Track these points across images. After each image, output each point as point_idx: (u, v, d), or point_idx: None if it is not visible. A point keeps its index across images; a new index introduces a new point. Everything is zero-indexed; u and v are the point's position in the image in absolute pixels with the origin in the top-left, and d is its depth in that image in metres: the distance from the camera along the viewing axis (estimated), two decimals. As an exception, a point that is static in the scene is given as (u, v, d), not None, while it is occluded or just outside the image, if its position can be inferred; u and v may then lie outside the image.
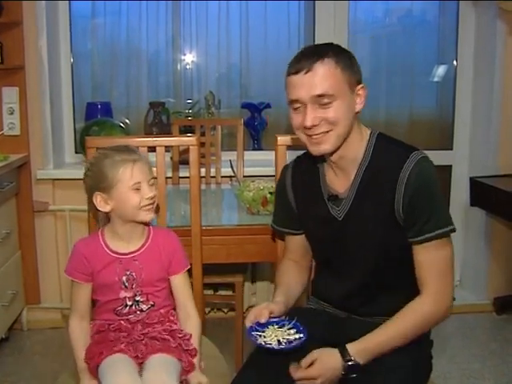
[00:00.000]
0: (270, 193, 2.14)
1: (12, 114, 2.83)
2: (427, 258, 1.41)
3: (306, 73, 1.37)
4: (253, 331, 1.40)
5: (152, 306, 1.55)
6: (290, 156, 1.78)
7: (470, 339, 2.90)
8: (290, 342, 1.38)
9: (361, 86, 1.43)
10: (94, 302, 1.58)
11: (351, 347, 1.38)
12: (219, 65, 3.34)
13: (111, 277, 1.51)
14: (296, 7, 3.31)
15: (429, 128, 3.49)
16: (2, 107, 2.83)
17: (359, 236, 1.47)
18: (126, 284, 1.52)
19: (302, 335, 1.39)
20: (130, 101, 3.32)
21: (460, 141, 3.33)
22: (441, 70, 3.41)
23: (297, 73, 1.39)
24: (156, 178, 1.56)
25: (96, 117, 3.06)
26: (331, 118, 1.39)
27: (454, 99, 3.33)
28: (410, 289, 1.44)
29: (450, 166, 3.35)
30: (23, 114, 2.84)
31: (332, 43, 1.45)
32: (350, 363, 1.37)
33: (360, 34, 3.37)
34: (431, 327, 1.46)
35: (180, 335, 1.51)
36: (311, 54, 1.39)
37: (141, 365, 1.46)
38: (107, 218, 1.55)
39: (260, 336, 1.39)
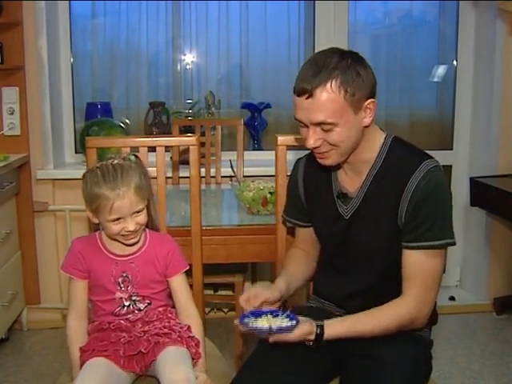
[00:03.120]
0: (270, 193, 2.14)
1: (12, 114, 2.83)
2: (416, 265, 1.40)
3: (307, 98, 1.35)
4: (245, 318, 1.40)
5: (149, 304, 1.55)
6: (290, 156, 1.78)
7: (471, 339, 2.89)
8: (281, 328, 1.37)
9: (370, 100, 1.38)
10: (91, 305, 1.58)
11: (328, 330, 1.38)
12: (219, 65, 3.34)
13: (107, 277, 1.52)
14: (296, 7, 3.31)
15: (429, 128, 3.49)
16: (2, 107, 2.83)
17: (363, 237, 1.48)
18: (122, 285, 1.52)
19: (294, 322, 1.38)
20: (130, 101, 3.32)
21: (460, 141, 3.33)
22: (441, 71, 3.41)
23: (299, 95, 1.37)
24: (143, 208, 1.50)
25: (96, 117, 3.06)
26: (332, 142, 1.39)
27: (453, 99, 3.33)
28: None
29: (450, 166, 3.35)
30: (23, 114, 2.84)
31: (341, 52, 1.39)
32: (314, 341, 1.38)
33: (360, 34, 3.37)
34: (405, 329, 1.43)
35: (177, 327, 1.52)
36: (315, 75, 1.33)
37: (149, 364, 1.46)
38: None
39: (252, 322, 1.39)
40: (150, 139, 1.86)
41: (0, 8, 2.69)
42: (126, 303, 1.53)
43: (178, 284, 1.58)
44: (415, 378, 1.42)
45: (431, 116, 3.51)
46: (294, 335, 1.35)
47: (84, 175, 1.50)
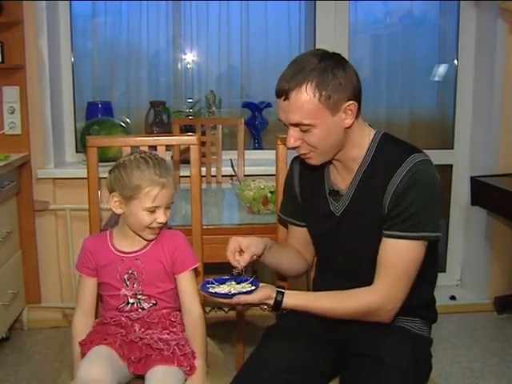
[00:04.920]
0: (271, 192, 2.14)
1: (13, 113, 2.83)
2: (388, 253, 1.39)
3: (284, 100, 1.39)
4: (208, 284, 1.43)
5: (154, 304, 1.55)
6: (291, 155, 1.78)
7: (471, 339, 2.89)
8: (240, 292, 1.38)
9: (351, 102, 1.38)
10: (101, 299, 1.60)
11: (287, 299, 1.39)
12: (220, 64, 3.34)
13: (113, 274, 1.53)
14: (297, 7, 3.31)
15: (429, 127, 3.49)
16: (3, 106, 2.83)
17: (354, 234, 1.48)
18: (128, 282, 1.53)
19: (253, 287, 1.39)
20: (131, 100, 3.32)
21: (461, 140, 3.33)
22: (441, 70, 3.41)
23: (278, 97, 1.41)
24: (173, 202, 1.55)
25: (97, 116, 3.06)
26: (311, 143, 1.42)
27: (454, 98, 3.33)
28: None
29: (451, 165, 3.36)
30: (24, 113, 2.85)
31: (322, 54, 1.39)
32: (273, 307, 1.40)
33: (361, 34, 3.37)
34: (366, 319, 1.42)
35: (174, 342, 1.49)
36: (292, 77, 1.36)
37: (136, 370, 1.46)
38: (117, 219, 1.58)
39: (213, 288, 1.41)
40: (151, 138, 1.86)
41: (1, 8, 2.69)
42: (131, 300, 1.54)
43: (185, 282, 1.57)
44: (415, 377, 1.42)
45: (432, 115, 3.51)
46: (254, 297, 1.37)
47: (119, 164, 1.51)
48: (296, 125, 1.40)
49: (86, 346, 1.47)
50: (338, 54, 1.42)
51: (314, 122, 1.37)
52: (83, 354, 1.46)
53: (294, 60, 1.42)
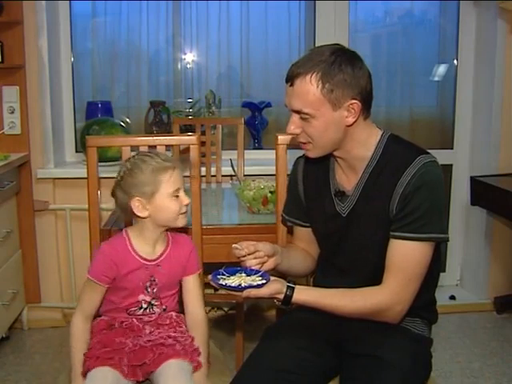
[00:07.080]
0: (271, 192, 2.14)
1: (12, 113, 2.83)
2: (397, 255, 1.40)
3: (290, 86, 1.41)
4: (219, 275, 1.43)
5: (164, 310, 1.56)
6: (291, 155, 1.78)
7: (471, 338, 2.90)
8: (250, 286, 1.38)
9: (354, 101, 1.40)
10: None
11: (297, 294, 1.39)
12: (220, 64, 3.34)
13: (135, 281, 1.51)
14: (297, 7, 3.31)
15: (429, 127, 3.49)
16: (3, 106, 2.83)
17: (360, 234, 1.48)
18: (149, 289, 1.53)
19: (264, 281, 1.39)
20: (131, 100, 3.32)
21: (460, 140, 3.33)
22: (441, 70, 3.41)
23: (286, 81, 1.43)
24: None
25: (96, 116, 3.06)
26: (308, 133, 1.43)
27: (454, 98, 3.33)
28: None
29: (451, 165, 3.36)
30: (24, 113, 2.84)
31: (336, 49, 1.41)
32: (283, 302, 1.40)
33: (361, 33, 3.37)
34: (374, 319, 1.43)
35: (182, 339, 1.50)
36: (302, 65, 1.39)
37: (150, 373, 1.45)
38: (130, 219, 1.58)
39: (224, 279, 1.41)
40: (151, 138, 1.86)
41: (1, 8, 2.69)
42: (144, 306, 1.53)
43: (193, 284, 1.58)
44: (415, 377, 1.42)
45: (432, 115, 3.51)
46: (264, 291, 1.37)
47: (124, 173, 1.50)
48: (297, 112, 1.41)
49: (91, 360, 1.44)
50: (354, 52, 1.43)
51: (314, 112, 1.39)
52: (86, 369, 1.44)
53: (311, 49, 1.45)
